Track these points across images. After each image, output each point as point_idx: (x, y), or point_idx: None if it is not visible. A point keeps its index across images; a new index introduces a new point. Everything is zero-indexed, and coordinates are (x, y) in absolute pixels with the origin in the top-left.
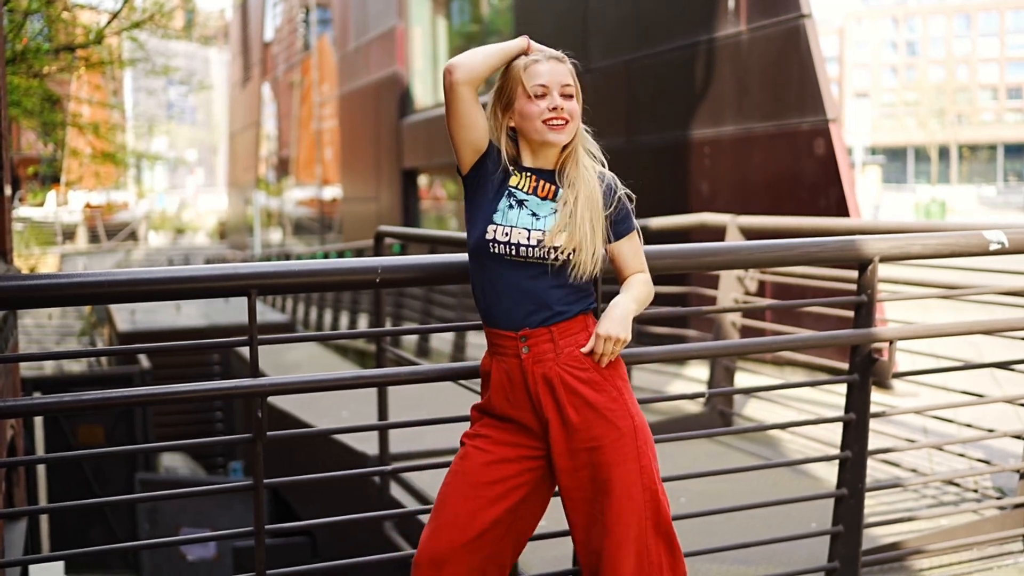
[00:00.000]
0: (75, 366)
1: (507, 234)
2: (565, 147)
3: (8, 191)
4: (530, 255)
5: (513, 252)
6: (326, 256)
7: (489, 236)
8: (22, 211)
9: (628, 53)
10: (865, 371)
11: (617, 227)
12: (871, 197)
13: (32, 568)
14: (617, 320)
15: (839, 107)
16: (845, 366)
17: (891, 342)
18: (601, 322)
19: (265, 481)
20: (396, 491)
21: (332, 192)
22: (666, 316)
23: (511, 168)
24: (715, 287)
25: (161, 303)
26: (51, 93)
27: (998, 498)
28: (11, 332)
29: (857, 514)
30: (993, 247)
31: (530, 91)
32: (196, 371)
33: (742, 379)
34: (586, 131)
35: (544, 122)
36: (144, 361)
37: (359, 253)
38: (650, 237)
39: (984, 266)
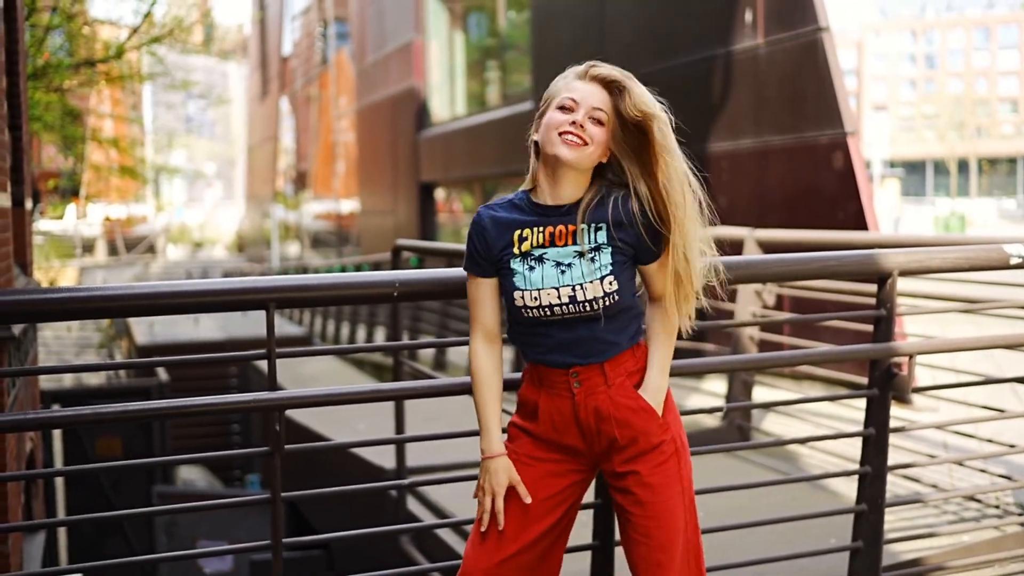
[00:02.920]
0: (94, 379)
1: (536, 298)
2: (592, 182)
3: (28, 204)
4: (567, 312)
5: (548, 313)
6: (343, 269)
7: (519, 303)
8: (42, 224)
9: (645, 67)
10: (884, 386)
11: (642, 247)
12: (892, 210)
13: None
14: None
15: (857, 120)
16: (864, 380)
17: (911, 356)
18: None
19: (283, 494)
20: (413, 505)
21: (349, 205)
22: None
23: (523, 224)
24: (733, 300)
25: (179, 316)
26: (71, 107)
27: (1020, 514)
28: (31, 345)
29: (877, 530)
30: (1014, 261)
31: (559, 102)
32: (214, 384)
33: (760, 393)
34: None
35: (560, 133)
36: (162, 374)
37: (376, 266)
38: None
39: (1005, 280)
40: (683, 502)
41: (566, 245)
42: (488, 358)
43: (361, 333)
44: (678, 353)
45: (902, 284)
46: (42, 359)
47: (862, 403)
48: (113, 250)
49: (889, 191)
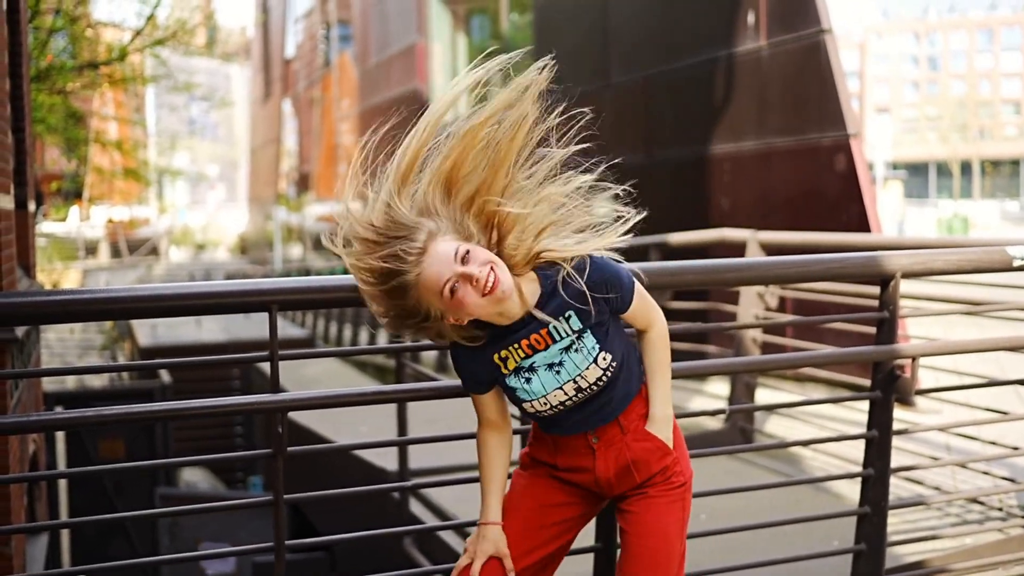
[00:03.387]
0: (96, 381)
1: (545, 402)
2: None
3: (32, 207)
4: (577, 400)
5: (560, 410)
6: (346, 272)
7: (530, 410)
8: (45, 227)
9: (648, 68)
10: (887, 388)
11: (614, 305)
12: (895, 212)
13: None
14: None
15: (860, 122)
16: (867, 383)
17: (914, 359)
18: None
19: (285, 497)
20: (415, 507)
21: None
22: (686, 332)
23: (496, 350)
24: (735, 303)
25: (182, 318)
26: (75, 110)
27: (1023, 517)
28: (34, 347)
29: (880, 532)
30: (1017, 263)
31: (445, 289)
32: (216, 386)
33: (763, 395)
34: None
35: (484, 295)
36: (165, 376)
37: None
38: (670, 253)
39: (1007, 282)
40: (680, 534)
41: (547, 348)
42: (497, 445)
43: (363, 335)
44: (680, 355)
45: (905, 286)
46: (45, 361)
47: (865, 405)
48: (116, 252)
49: (892, 193)
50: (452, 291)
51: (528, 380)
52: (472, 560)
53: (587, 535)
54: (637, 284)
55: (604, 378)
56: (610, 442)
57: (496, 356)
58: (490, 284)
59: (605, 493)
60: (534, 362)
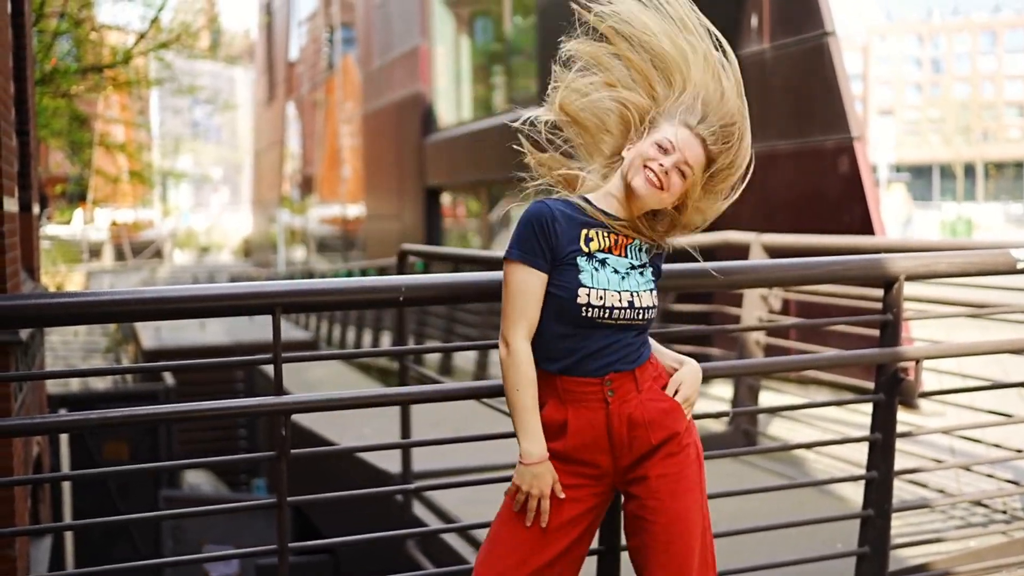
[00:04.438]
0: (100, 383)
1: (601, 298)
2: (653, 215)
3: (36, 209)
4: (622, 318)
5: (605, 316)
6: (349, 274)
7: (582, 300)
8: (49, 229)
9: None
10: (891, 390)
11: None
12: (902, 211)
13: None
14: (698, 377)
15: (863, 124)
16: (870, 385)
17: (917, 361)
18: (689, 383)
19: (289, 499)
20: (419, 510)
21: (355, 210)
22: (690, 334)
23: (589, 224)
24: (739, 305)
25: (186, 321)
26: (79, 113)
27: None
28: (38, 349)
29: (884, 535)
30: (1020, 265)
31: (659, 139)
32: (220, 388)
33: (766, 398)
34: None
35: (645, 166)
36: (169, 378)
37: (382, 271)
38: (674, 256)
39: (1012, 284)
40: (702, 510)
41: (621, 256)
42: (530, 360)
43: (367, 338)
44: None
45: (908, 288)
46: (49, 363)
47: (868, 408)
48: (120, 255)
49: (896, 195)
50: (661, 147)
51: (597, 269)
52: (540, 496)
53: None
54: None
55: (650, 313)
56: (624, 397)
57: (585, 231)
58: (666, 183)
59: (616, 467)
60: (607, 259)
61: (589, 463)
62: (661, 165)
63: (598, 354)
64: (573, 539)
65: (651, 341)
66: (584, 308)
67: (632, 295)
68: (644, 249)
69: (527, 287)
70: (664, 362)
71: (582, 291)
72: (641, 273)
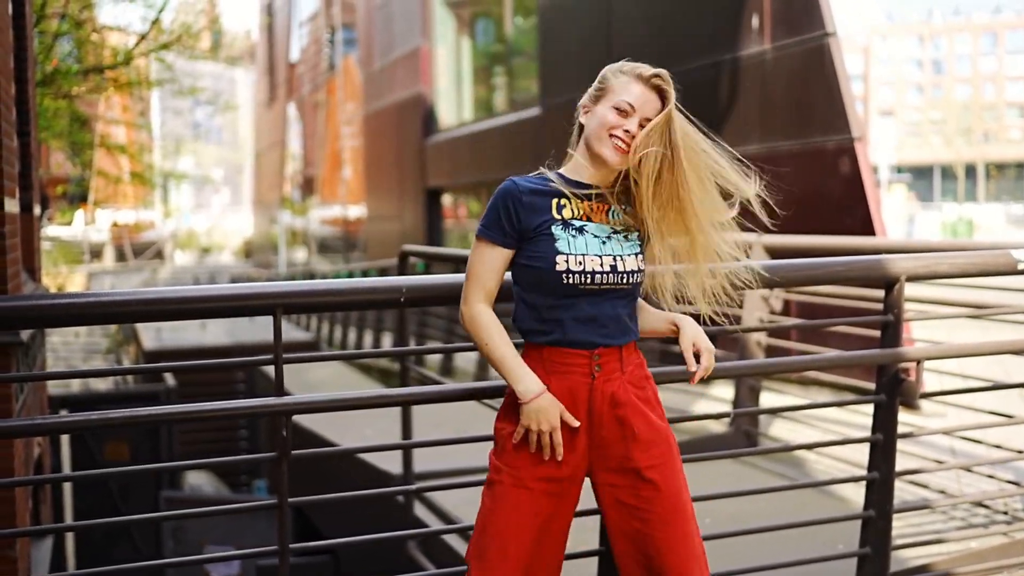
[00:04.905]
0: (101, 384)
1: (580, 263)
2: (624, 175)
3: (37, 210)
4: (605, 283)
5: (588, 281)
6: (350, 275)
7: (560, 267)
8: (50, 230)
9: None
10: (892, 391)
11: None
12: (905, 210)
13: None
14: (703, 333)
15: (864, 125)
16: (871, 386)
17: (918, 362)
18: (701, 341)
19: (290, 500)
20: (420, 510)
21: (356, 211)
22: None
23: (560, 195)
24: (740, 306)
25: (187, 322)
26: (80, 114)
27: None
28: (39, 350)
29: (885, 536)
30: (1021, 266)
31: (616, 102)
32: (221, 389)
33: (767, 399)
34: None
35: (610, 135)
36: (170, 379)
37: (383, 272)
38: None
39: (1012, 285)
40: (688, 497)
41: (602, 223)
42: (493, 316)
43: (368, 338)
44: (678, 360)
45: (910, 289)
46: (50, 364)
47: (869, 408)
48: (121, 256)
49: (897, 196)
50: (621, 111)
51: (574, 236)
52: (551, 430)
53: (591, 537)
54: None
55: (636, 276)
56: (609, 375)
57: (556, 200)
58: (627, 143)
59: (592, 444)
60: (586, 226)
61: (565, 438)
62: (627, 131)
63: (586, 325)
64: (561, 526)
65: (639, 301)
66: (564, 275)
67: (615, 259)
68: (629, 212)
69: (485, 259)
70: (655, 326)
71: (559, 258)
72: (626, 237)
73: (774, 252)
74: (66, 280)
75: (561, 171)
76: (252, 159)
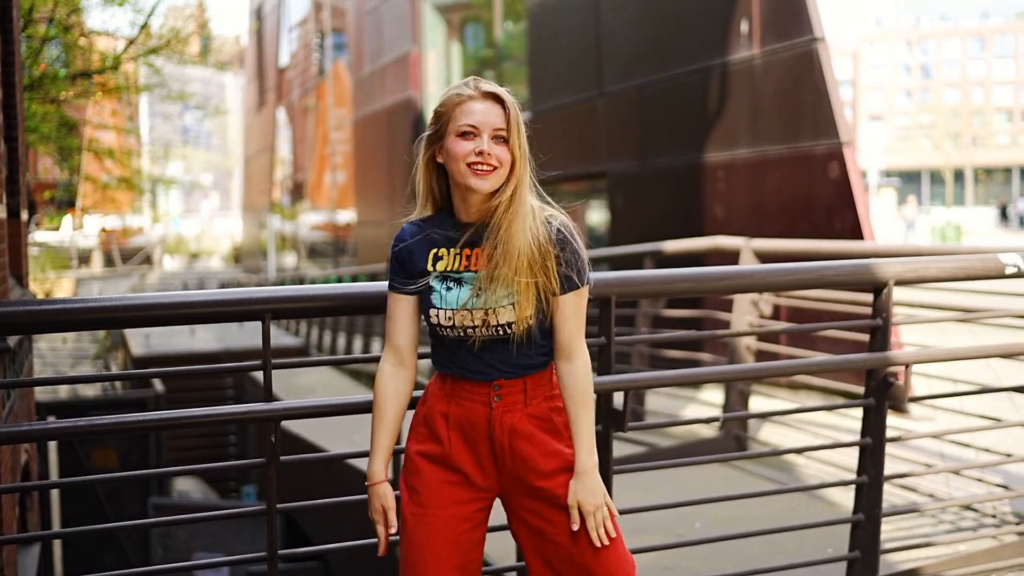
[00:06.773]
0: (89, 390)
1: (450, 318)
2: (496, 194)
3: (24, 216)
4: (482, 335)
5: (462, 335)
6: (340, 280)
7: (435, 321)
8: (38, 236)
9: (642, 77)
10: (881, 395)
11: (563, 281)
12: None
13: None
14: (594, 490)
15: (853, 130)
16: (861, 390)
17: (907, 366)
18: (581, 495)
19: (279, 506)
20: None
21: (346, 216)
22: (680, 340)
23: (435, 245)
24: (729, 311)
25: (176, 327)
26: (68, 119)
27: (1017, 524)
28: (26, 356)
29: (874, 540)
30: (1009, 270)
31: (457, 129)
32: (210, 395)
33: (757, 403)
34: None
35: (468, 165)
36: (158, 385)
37: (373, 277)
38: (664, 261)
39: (1000, 289)
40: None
41: (480, 270)
42: (393, 381)
43: (357, 343)
44: (675, 363)
45: (898, 294)
46: (37, 370)
47: (858, 413)
48: (109, 261)
49: (885, 201)
50: (466, 135)
51: (449, 289)
52: (379, 520)
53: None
54: (584, 291)
55: (514, 327)
56: (510, 407)
57: (433, 251)
58: (492, 164)
59: (498, 473)
60: (463, 276)
61: (465, 472)
62: (480, 152)
63: (477, 364)
64: (476, 550)
65: (574, 406)
66: (439, 328)
67: (487, 312)
68: (519, 255)
69: (393, 312)
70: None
71: (432, 312)
72: (506, 286)
73: (763, 256)
74: (54, 286)
75: (447, 212)
76: (241, 164)
